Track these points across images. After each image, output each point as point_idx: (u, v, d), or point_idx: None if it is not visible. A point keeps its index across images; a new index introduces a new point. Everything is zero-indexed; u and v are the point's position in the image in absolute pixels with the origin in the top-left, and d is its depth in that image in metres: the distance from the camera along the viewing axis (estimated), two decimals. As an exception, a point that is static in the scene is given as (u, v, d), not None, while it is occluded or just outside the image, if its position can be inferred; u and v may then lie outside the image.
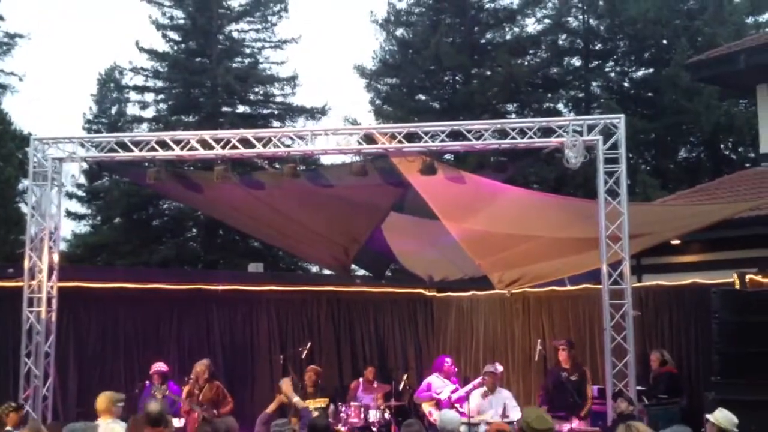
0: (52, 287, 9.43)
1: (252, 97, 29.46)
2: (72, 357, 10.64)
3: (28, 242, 9.47)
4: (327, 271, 17.55)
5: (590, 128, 8.83)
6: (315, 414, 9.46)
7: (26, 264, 9.38)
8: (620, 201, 8.66)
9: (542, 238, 9.92)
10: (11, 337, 9.64)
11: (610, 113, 11.22)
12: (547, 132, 8.99)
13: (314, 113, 29.17)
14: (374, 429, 10.43)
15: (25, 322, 9.22)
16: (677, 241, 11.60)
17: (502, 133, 9.13)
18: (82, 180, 27.64)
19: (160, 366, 10.00)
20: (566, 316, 11.46)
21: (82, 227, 29.18)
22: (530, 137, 8.91)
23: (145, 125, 28.34)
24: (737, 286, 9.01)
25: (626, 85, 27.94)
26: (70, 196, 27.19)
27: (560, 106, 27.68)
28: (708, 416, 6.52)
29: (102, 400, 7.04)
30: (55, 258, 9.53)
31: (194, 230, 28.44)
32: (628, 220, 8.62)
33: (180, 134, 9.82)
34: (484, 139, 9.02)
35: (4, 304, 9.91)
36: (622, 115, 8.97)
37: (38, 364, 9.15)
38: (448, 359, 11.24)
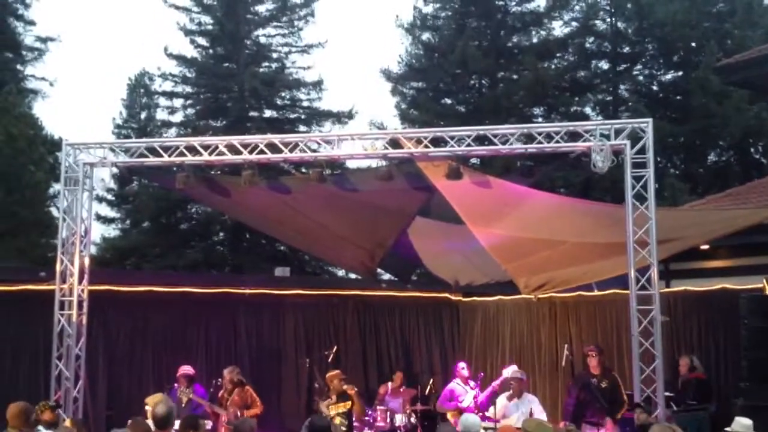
0: (82, 290, 9.57)
1: (279, 101, 29.66)
2: (102, 359, 10.78)
3: (60, 246, 9.62)
4: (353, 275, 17.61)
5: (618, 132, 8.78)
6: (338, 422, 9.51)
7: (58, 267, 9.53)
8: (648, 206, 8.60)
9: (569, 243, 9.88)
10: (42, 339, 9.80)
11: (638, 117, 11.18)
12: (574, 136, 8.94)
13: (340, 117, 29.28)
14: (400, 433, 10.45)
15: (56, 324, 9.36)
16: (706, 246, 11.50)
17: (529, 138, 9.11)
18: (112, 184, 28.00)
19: (186, 369, 10.10)
20: (594, 322, 11.38)
21: (112, 231, 29.56)
22: (557, 142, 8.88)
23: (173, 130, 28.68)
24: (767, 292, 8.91)
25: (655, 88, 27.73)
26: (100, 200, 27.56)
27: (588, 110, 27.54)
28: (728, 429, 6.46)
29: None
30: (86, 262, 9.67)
31: (221, 234, 28.67)
32: (656, 225, 8.56)
33: (208, 140, 9.92)
34: (511, 144, 9.01)
35: (35, 306, 10.06)
36: (650, 119, 8.91)
37: (69, 367, 9.28)
38: (462, 364, 11.19)
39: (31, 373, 10.02)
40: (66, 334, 9.37)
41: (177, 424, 6.87)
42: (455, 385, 10.98)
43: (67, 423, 7.48)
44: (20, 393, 9.23)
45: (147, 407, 7.31)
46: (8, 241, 21.13)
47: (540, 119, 26.28)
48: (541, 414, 9.80)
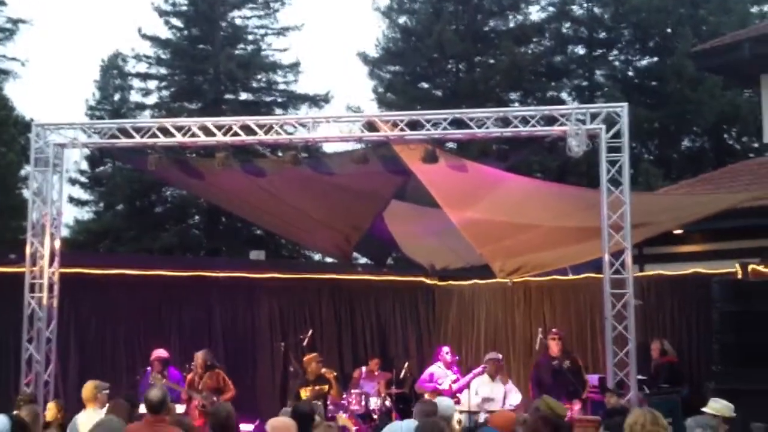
0: (53, 273, 9.44)
1: (254, 84, 29.39)
2: (73, 343, 10.67)
3: (30, 228, 9.49)
4: (329, 259, 17.56)
5: (593, 117, 8.80)
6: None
7: (28, 250, 9.39)
8: (623, 190, 8.64)
9: (544, 227, 9.91)
10: (12, 322, 9.64)
11: (613, 102, 11.17)
12: (549, 120, 8.96)
13: (317, 101, 29.10)
14: (375, 416, 10.45)
15: (26, 307, 9.24)
16: (679, 231, 11.58)
17: (505, 122, 9.11)
18: (85, 166, 27.66)
19: (160, 352, 10.01)
20: (568, 306, 11.45)
21: (85, 213, 29.21)
22: (533, 126, 8.90)
23: (147, 112, 28.32)
24: (740, 276, 9.00)
25: (630, 73, 27.83)
26: (73, 182, 27.20)
27: (564, 95, 27.58)
28: (705, 410, 6.51)
29: (86, 389, 7.07)
30: (57, 244, 9.54)
31: (197, 217, 28.45)
32: (630, 210, 8.60)
33: (181, 121, 9.80)
34: (487, 128, 8.99)
35: (5, 289, 9.91)
36: (625, 104, 8.94)
37: (40, 350, 9.18)
38: (446, 349, 11.24)
39: (0, 356, 9.88)
40: (36, 317, 9.25)
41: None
42: (436, 368, 11.01)
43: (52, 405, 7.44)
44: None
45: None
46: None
47: (516, 104, 26.29)
48: (515, 394, 9.88)
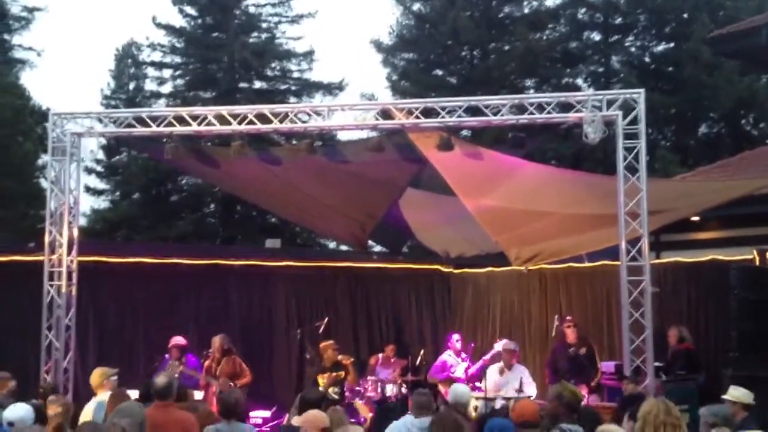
0: (72, 261, 9.52)
1: (269, 72, 29.42)
2: (92, 330, 10.77)
3: (48, 217, 9.56)
4: (344, 247, 17.59)
5: (610, 103, 8.75)
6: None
7: (46, 238, 9.48)
8: (639, 177, 8.59)
9: (560, 215, 9.87)
10: (31, 310, 9.73)
11: (629, 88, 11.09)
12: (565, 107, 8.92)
13: (331, 89, 29.09)
14: (390, 403, 10.49)
15: (45, 295, 9.33)
16: (696, 218, 11.51)
17: (520, 109, 9.07)
18: (101, 155, 27.88)
19: (178, 340, 10.09)
20: (584, 293, 11.42)
21: (101, 203, 29.42)
22: (548, 113, 8.85)
23: (162, 101, 28.43)
24: (757, 263, 8.94)
25: (646, 59, 27.63)
26: (89, 171, 27.40)
27: (579, 81, 27.43)
28: (725, 397, 6.51)
29: (95, 376, 7.14)
30: (75, 232, 9.62)
31: (212, 206, 28.58)
32: (647, 197, 8.55)
33: (197, 110, 9.84)
34: (502, 115, 8.97)
35: (25, 278, 10.01)
36: (642, 90, 8.88)
37: (59, 337, 9.28)
38: (456, 336, 11.26)
39: (19, 344, 9.97)
40: (55, 304, 9.34)
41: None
42: (447, 356, 11.05)
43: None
44: (9, 363, 9.25)
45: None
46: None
47: (531, 90, 26.17)
48: (530, 384, 9.88)
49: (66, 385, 9.17)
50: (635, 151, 8.61)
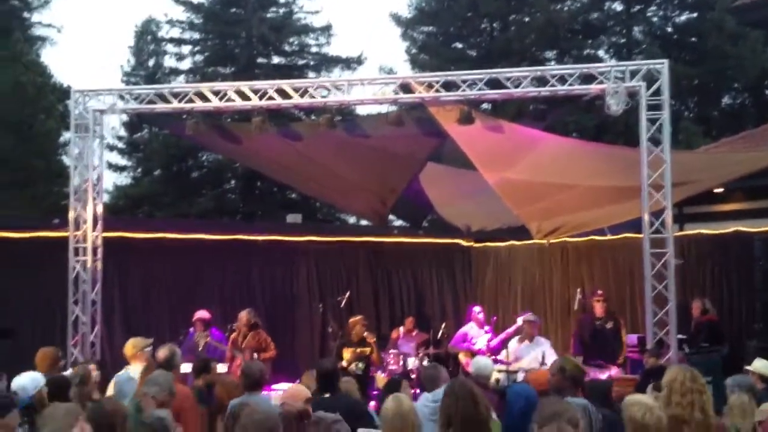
0: (96, 237, 9.63)
1: (287, 47, 29.33)
2: (117, 305, 10.88)
3: (72, 193, 9.65)
4: (363, 222, 17.63)
5: (632, 74, 8.66)
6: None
7: (71, 215, 9.58)
8: (663, 149, 8.52)
9: (582, 187, 9.82)
10: (57, 285, 9.84)
11: (652, 59, 10.95)
12: (587, 79, 8.83)
13: (350, 63, 28.97)
14: (413, 376, 10.56)
15: (71, 271, 9.45)
16: (720, 189, 11.41)
17: (541, 81, 9.00)
18: (123, 132, 28.01)
19: (202, 313, 10.17)
20: (606, 266, 11.40)
21: (123, 179, 29.61)
22: (570, 84, 8.77)
23: (182, 77, 28.45)
24: (782, 234, 8.88)
25: (669, 30, 27.21)
26: (111, 148, 27.54)
27: (601, 53, 27.09)
28: (748, 367, 6.50)
29: (129, 346, 7.19)
30: (99, 209, 9.71)
31: (233, 182, 28.68)
32: (670, 168, 8.48)
33: (218, 85, 9.86)
34: (523, 87, 8.90)
35: (50, 253, 10.11)
36: (665, 61, 8.76)
37: (85, 312, 9.41)
38: (477, 308, 11.28)
39: (46, 318, 10.11)
40: (81, 280, 9.46)
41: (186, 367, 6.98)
42: (469, 328, 11.10)
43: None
44: (36, 337, 9.43)
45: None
46: (21, 190, 21.22)
47: (552, 63, 25.90)
48: (552, 356, 9.89)
49: (93, 358, 9.28)
50: (658, 122, 8.54)
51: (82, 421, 3.84)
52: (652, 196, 8.53)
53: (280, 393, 5.37)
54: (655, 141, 8.56)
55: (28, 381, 5.71)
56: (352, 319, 10.44)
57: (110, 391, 6.81)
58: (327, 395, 5.72)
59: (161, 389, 5.03)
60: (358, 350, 10.11)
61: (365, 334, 10.31)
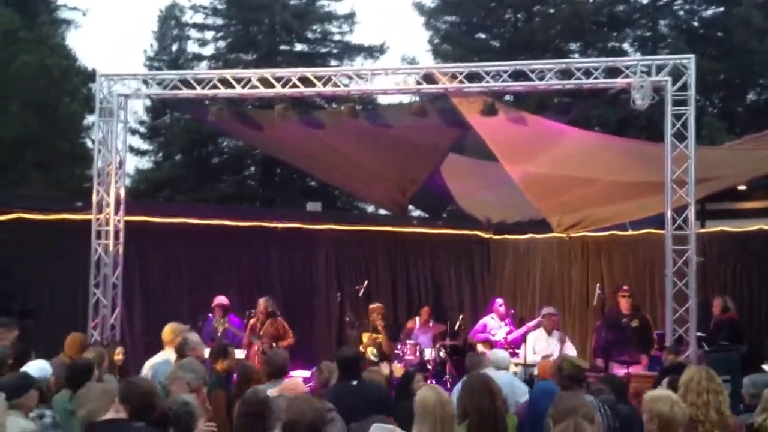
0: (119, 221, 9.69)
1: (310, 35, 29.31)
2: (137, 288, 10.95)
3: (96, 177, 9.72)
4: (383, 211, 17.63)
5: (659, 69, 8.58)
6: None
7: (94, 198, 9.65)
8: (687, 144, 8.44)
9: (604, 182, 9.77)
10: (79, 267, 9.92)
11: (677, 53, 10.85)
12: (613, 72, 8.76)
13: (372, 52, 28.91)
14: (429, 367, 10.58)
15: (93, 254, 9.53)
16: (743, 187, 11.30)
17: (566, 74, 8.93)
18: (144, 116, 28.16)
19: (221, 299, 10.24)
20: (626, 261, 11.34)
21: (144, 163, 29.77)
22: (595, 78, 8.71)
23: (204, 63, 28.54)
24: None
25: (695, 24, 26.94)
26: (133, 132, 27.68)
27: (626, 46, 26.87)
28: (765, 366, 6.45)
29: (167, 331, 7.25)
30: (122, 192, 9.78)
31: (252, 168, 28.76)
32: (695, 165, 8.41)
33: (241, 72, 9.87)
34: (548, 80, 8.84)
35: (73, 236, 10.19)
36: (692, 56, 8.68)
37: (106, 295, 9.49)
38: (499, 300, 11.28)
39: (67, 300, 10.20)
40: (102, 263, 9.54)
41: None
42: (489, 319, 11.11)
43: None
44: (58, 319, 9.53)
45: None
46: (45, 172, 21.40)
47: (576, 55, 25.71)
48: (571, 350, 9.87)
49: (113, 340, 9.37)
50: (683, 118, 8.46)
51: (117, 402, 3.88)
52: (675, 192, 8.47)
53: (278, 386, 5.41)
54: (679, 136, 8.49)
55: (36, 371, 5.75)
56: (371, 306, 10.54)
57: (145, 372, 6.87)
58: (353, 383, 5.77)
59: (196, 376, 5.09)
60: (374, 336, 10.20)
61: (378, 322, 10.39)
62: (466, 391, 4.78)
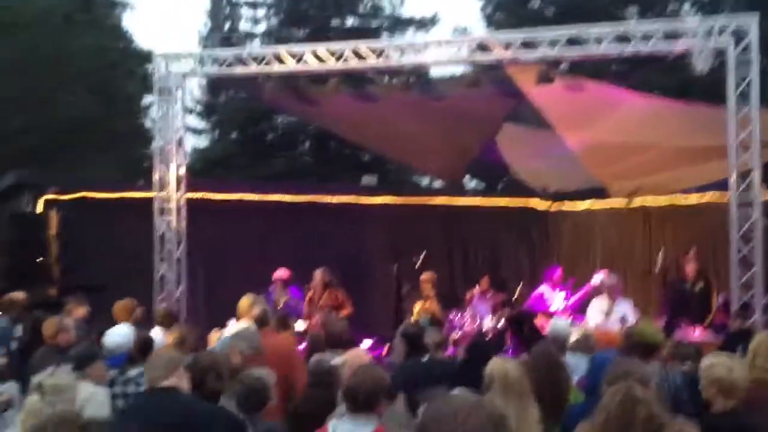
0: (180, 198, 9.91)
1: (360, 9, 29.21)
2: (200, 263, 11.18)
3: (157, 155, 9.94)
4: (437, 184, 17.62)
5: (720, 31, 8.35)
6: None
7: (155, 176, 9.88)
8: (751, 107, 8.23)
9: (664, 147, 9.60)
10: (142, 244, 10.17)
11: (739, 14, 10.51)
12: (672, 36, 8.55)
13: (424, 24, 28.69)
14: (489, 337, 10.59)
15: (156, 230, 9.77)
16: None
17: (623, 39, 8.75)
18: (199, 95, 28.49)
19: (282, 272, 10.38)
20: (688, 228, 11.11)
21: (201, 142, 30.18)
22: (654, 42, 8.52)
23: (257, 41, 28.69)
24: None
25: (757, -17, 26.00)
26: (189, 111, 28.04)
27: (685, 8, 26.09)
28: None
29: (244, 302, 7.35)
30: (182, 170, 9.99)
31: (306, 144, 28.94)
32: (760, 128, 8.20)
33: (295, 48, 9.93)
34: (605, 46, 8.68)
35: (136, 214, 10.46)
36: (755, 15, 8.43)
37: (170, 270, 9.74)
38: (554, 269, 11.19)
39: (133, 276, 10.48)
40: (166, 239, 9.78)
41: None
42: (545, 289, 11.03)
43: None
44: (125, 294, 9.78)
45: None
46: (106, 152, 21.92)
47: (634, 20, 25.06)
48: (633, 318, 9.76)
49: (178, 315, 9.62)
50: (747, 80, 8.24)
51: (181, 369, 4.01)
52: (739, 156, 8.28)
53: (340, 355, 5.49)
54: (742, 100, 8.27)
55: (121, 338, 5.94)
56: (422, 276, 10.62)
57: (213, 344, 7.04)
58: (423, 359, 5.83)
59: (249, 345, 5.22)
60: (425, 305, 10.28)
61: (429, 291, 10.48)
62: (531, 363, 4.80)
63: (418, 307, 10.31)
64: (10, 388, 5.52)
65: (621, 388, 3.37)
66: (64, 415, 3.09)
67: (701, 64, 8.21)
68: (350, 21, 29.05)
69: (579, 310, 10.07)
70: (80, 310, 7.67)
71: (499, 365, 4.33)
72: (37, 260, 10.64)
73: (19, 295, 8.32)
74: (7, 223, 11.35)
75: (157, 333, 6.96)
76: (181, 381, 3.98)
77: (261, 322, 6.46)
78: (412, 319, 9.99)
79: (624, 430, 3.23)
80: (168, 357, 4.15)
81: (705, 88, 19.52)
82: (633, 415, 3.23)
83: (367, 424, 3.72)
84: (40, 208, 10.82)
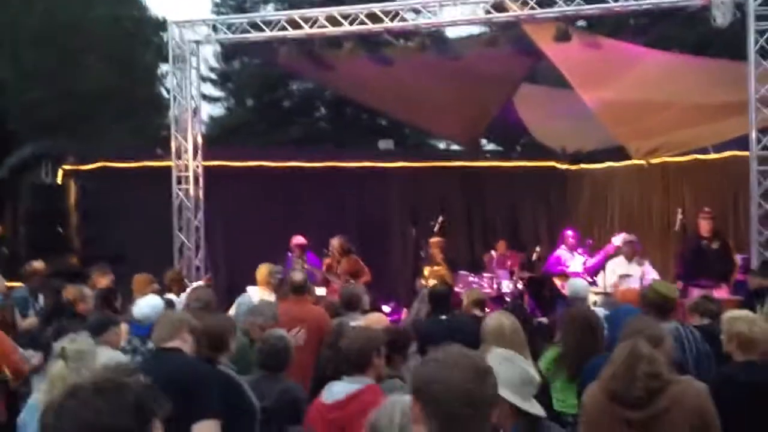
0: (197, 166, 9.94)
1: (374, -30, 28.89)
2: (218, 230, 11.24)
3: (173, 123, 9.94)
4: (455, 147, 17.51)
5: (740, -17, 8.17)
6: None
7: (172, 144, 9.90)
8: (772, 61, 8.09)
9: (684, 104, 9.46)
10: (161, 212, 10.22)
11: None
12: (691, -11, 8.39)
13: (438, -16, 28.34)
14: (507, 299, 10.61)
15: (174, 198, 9.82)
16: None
17: (642, -7, 8.60)
18: (214, 62, 28.44)
19: (299, 239, 10.42)
20: (708, 185, 10.99)
21: (217, 110, 30.15)
22: (673, -4, 8.37)
23: (270, 6, 28.47)
24: None
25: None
26: (204, 79, 27.96)
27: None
28: None
29: (262, 271, 7.41)
30: (199, 139, 10.00)
31: (322, 110, 28.83)
32: (780, 82, 8.07)
33: (308, 12, 9.85)
34: (623, 1, 8.54)
35: (154, 182, 10.50)
36: (777, -34, 8.23)
37: (189, 238, 9.80)
38: (569, 231, 11.12)
39: (153, 243, 10.54)
40: (184, 207, 9.83)
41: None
42: (562, 251, 10.99)
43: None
44: (145, 262, 9.87)
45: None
46: (124, 122, 21.99)
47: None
48: (652, 277, 9.72)
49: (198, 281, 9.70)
50: (766, 35, 8.08)
51: (185, 332, 4.05)
52: (759, 111, 8.15)
53: (357, 318, 5.54)
54: (763, 53, 8.12)
55: (150, 309, 5.97)
56: (431, 240, 10.64)
57: (233, 311, 7.11)
58: (443, 317, 5.89)
59: (266, 318, 5.27)
60: (435, 269, 10.31)
61: (438, 255, 10.50)
62: (566, 326, 4.84)
63: (427, 271, 10.34)
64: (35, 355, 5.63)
65: (627, 345, 3.38)
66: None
67: (721, 18, 8.05)
68: (364, -17, 28.71)
69: (597, 273, 10.02)
70: (104, 280, 7.74)
71: (494, 318, 4.45)
72: (58, 230, 10.73)
73: (39, 264, 8.40)
74: (27, 193, 11.44)
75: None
76: (185, 343, 4.03)
77: (299, 289, 6.49)
78: (422, 281, 10.07)
79: (627, 384, 3.25)
80: (174, 318, 4.21)
81: (725, 43, 19.20)
82: (635, 370, 3.24)
83: (356, 383, 3.80)
84: (59, 178, 10.90)
